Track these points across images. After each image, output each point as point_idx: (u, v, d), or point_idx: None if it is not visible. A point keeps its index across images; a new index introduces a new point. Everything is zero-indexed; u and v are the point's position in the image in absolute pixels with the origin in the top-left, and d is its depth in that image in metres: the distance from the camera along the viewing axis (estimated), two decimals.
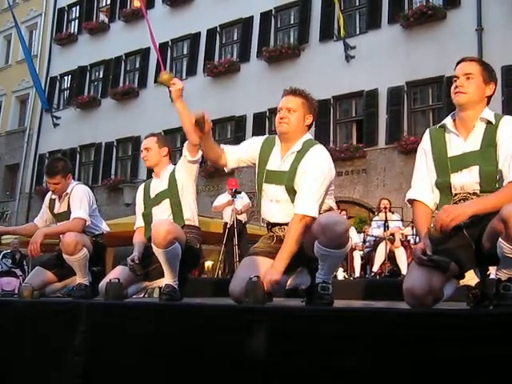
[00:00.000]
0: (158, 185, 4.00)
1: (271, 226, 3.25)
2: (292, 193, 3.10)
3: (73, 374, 2.91)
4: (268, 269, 3.00)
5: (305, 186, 3.05)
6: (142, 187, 4.21)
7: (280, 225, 3.19)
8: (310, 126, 3.26)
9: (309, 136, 3.26)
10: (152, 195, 4.02)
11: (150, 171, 4.27)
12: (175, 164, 4.06)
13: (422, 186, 2.77)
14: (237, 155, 3.36)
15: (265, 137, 3.42)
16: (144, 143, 4.10)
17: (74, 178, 4.58)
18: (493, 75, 2.72)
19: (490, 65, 2.77)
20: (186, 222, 3.86)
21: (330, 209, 3.18)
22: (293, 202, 3.09)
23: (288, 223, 3.08)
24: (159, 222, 3.53)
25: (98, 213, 4.56)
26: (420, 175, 2.80)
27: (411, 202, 2.83)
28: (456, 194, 2.65)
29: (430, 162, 2.77)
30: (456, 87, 2.66)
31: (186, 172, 3.89)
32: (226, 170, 3.45)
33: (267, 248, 3.20)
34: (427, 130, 2.88)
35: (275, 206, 3.17)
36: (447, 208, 2.45)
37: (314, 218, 2.97)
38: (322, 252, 2.83)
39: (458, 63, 2.72)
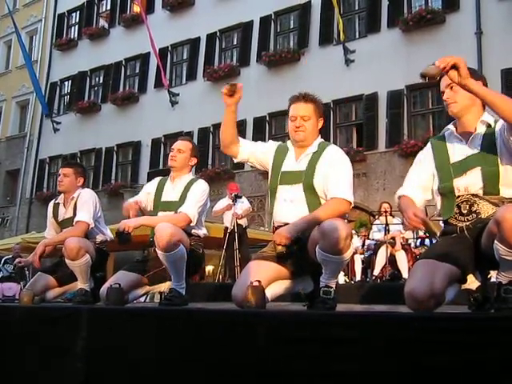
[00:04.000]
0: (171, 192, 3.98)
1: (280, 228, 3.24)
2: (309, 191, 3.12)
3: (75, 379, 2.90)
4: (285, 226, 3.01)
5: (335, 175, 3.09)
6: (156, 182, 4.12)
7: None
8: (321, 128, 3.32)
9: (321, 139, 3.32)
10: (163, 199, 3.99)
11: (150, 176, 4.27)
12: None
13: (411, 186, 2.83)
14: (251, 149, 3.39)
15: (278, 143, 3.47)
16: (178, 144, 4.03)
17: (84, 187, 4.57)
18: (476, 75, 2.68)
19: (477, 72, 2.76)
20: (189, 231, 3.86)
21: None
22: (308, 201, 3.11)
23: None
24: (162, 226, 3.53)
25: (104, 221, 4.56)
26: (411, 178, 2.87)
27: (399, 198, 2.87)
28: (459, 196, 2.66)
29: (425, 169, 2.82)
30: (445, 101, 2.70)
31: None
32: (235, 160, 3.47)
33: (274, 253, 3.19)
34: (430, 141, 2.93)
35: (288, 205, 3.17)
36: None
37: (350, 204, 3.06)
38: (322, 257, 2.83)
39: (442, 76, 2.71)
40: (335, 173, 3.10)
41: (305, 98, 3.25)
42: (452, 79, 2.44)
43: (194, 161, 4.06)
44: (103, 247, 4.43)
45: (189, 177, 4.03)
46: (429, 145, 2.89)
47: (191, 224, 3.81)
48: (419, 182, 2.82)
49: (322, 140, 3.33)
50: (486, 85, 2.68)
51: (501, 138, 2.58)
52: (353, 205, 3.12)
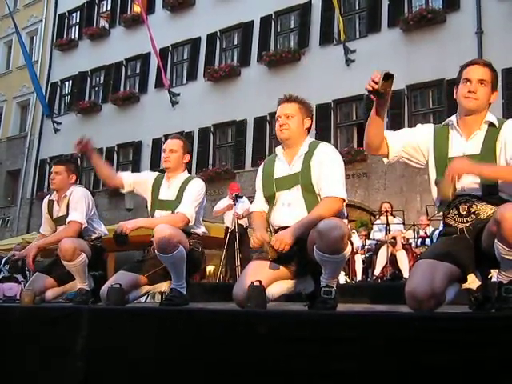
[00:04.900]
0: (166, 191, 3.98)
1: (278, 230, 3.23)
2: (307, 192, 3.12)
3: (75, 379, 2.91)
4: (283, 231, 2.99)
5: (327, 173, 3.10)
6: (153, 178, 4.10)
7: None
8: (309, 130, 3.31)
9: (311, 139, 3.31)
10: (160, 197, 3.99)
11: None
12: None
13: (395, 136, 2.81)
14: (263, 198, 3.35)
15: (263, 162, 3.48)
16: (170, 143, 4.02)
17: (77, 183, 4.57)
18: (497, 83, 2.71)
19: (491, 64, 2.75)
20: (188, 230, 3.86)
21: (341, 214, 3.16)
22: (306, 202, 3.10)
23: None
24: (161, 227, 3.52)
25: (98, 217, 4.56)
26: (399, 133, 2.85)
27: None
28: (457, 197, 2.64)
29: (415, 138, 2.81)
30: (469, 92, 2.62)
31: None
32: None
33: (269, 256, 3.18)
34: (433, 126, 2.88)
35: (286, 209, 3.17)
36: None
37: (343, 200, 3.07)
38: (320, 257, 2.83)
39: (470, 64, 2.67)
40: (326, 171, 3.11)
41: (289, 98, 3.27)
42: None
43: (187, 158, 4.05)
44: (98, 243, 4.41)
45: (184, 175, 4.02)
46: (431, 128, 2.85)
47: (189, 223, 3.81)
48: (405, 140, 2.80)
49: (313, 139, 3.32)
50: (497, 81, 2.68)
51: (504, 142, 2.57)
52: (346, 201, 3.14)
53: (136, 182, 4.10)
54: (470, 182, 2.60)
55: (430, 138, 2.80)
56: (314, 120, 3.35)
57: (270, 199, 3.28)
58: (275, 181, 3.24)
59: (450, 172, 2.41)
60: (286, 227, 3.12)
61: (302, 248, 3.00)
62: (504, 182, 2.50)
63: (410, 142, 2.81)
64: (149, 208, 4.08)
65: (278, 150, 3.34)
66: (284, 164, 3.26)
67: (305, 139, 3.27)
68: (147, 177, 4.15)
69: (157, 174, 4.15)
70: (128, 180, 4.08)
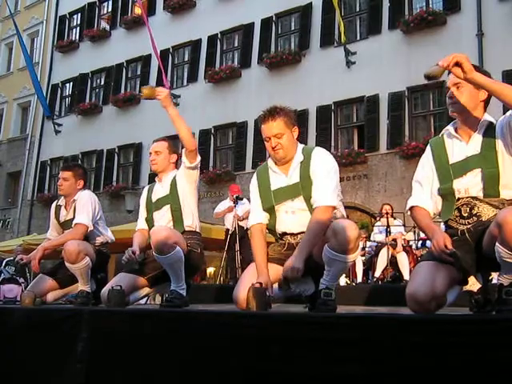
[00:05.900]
0: (160, 190, 4.02)
1: (283, 234, 3.24)
2: (310, 202, 3.10)
3: (75, 380, 2.91)
4: (290, 258, 2.96)
5: (318, 182, 3.08)
6: (146, 190, 4.21)
7: (292, 234, 3.18)
8: (298, 136, 3.29)
9: (302, 145, 3.30)
10: (154, 200, 4.03)
11: (151, 177, 4.29)
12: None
13: (421, 193, 2.80)
14: (261, 210, 3.27)
15: (255, 174, 3.42)
16: (154, 146, 4.07)
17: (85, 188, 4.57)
18: (481, 72, 2.70)
19: (482, 69, 2.75)
20: (187, 228, 3.87)
21: (342, 217, 3.16)
22: (309, 210, 3.09)
23: (302, 232, 3.09)
24: (157, 229, 3.55)
25: (105, 222, 4.57)
26: (419, 185, 2.83)
27: (411, 209, 2.83)
28: (459, 199, 2.65)
29: (430, 172, 2.79)
30: (449, 98, 2.68)
31: (187, 178, 3.90)
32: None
33: (277, 255, 3.19)
34: (429, 143, 2.92)
35: (291, 216, 3.16)
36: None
37: (334, 208, 3.05)
38: (329, 256, 2.83)
39: (449, 73, 2.70)
40: (317, 179, 3.09)
41: (272, 115, 3.16)
42: (457, 76, 2.45)
43: (175, 157, 4.08)
44: (104, 249, 4.43)
45: (174, 173, 4.04)
46: (428, 147, 2.88)
47: (193, 219, 3.88)
48: (428, 189, 2.79)
49: (303, 145, 3.29)
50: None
51: (501, 134, 2.58)
52: (337, 206, 3.09)
53: (144, 212, 4.15)
54: (472, 183, 2.61)
55: (429, 155, 2.83)
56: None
57: (270, 210, 3.24)
58: (273, 193, 3.21)
59: (449, 56, 2.41)
60: (293, 233, 3.17)
61: None
62: (494, 95, 2.49)
63: (431, 188, 2.80)
64: (144, 215, 4.11)
65: (270, 162, 3.30)
66: (280, 175, 3.23)
67: (297, 147, 3.25)
68: (142, 200, 4.21)
69: (148, 186, 4.24)
70: (144, 224, 4.12)
